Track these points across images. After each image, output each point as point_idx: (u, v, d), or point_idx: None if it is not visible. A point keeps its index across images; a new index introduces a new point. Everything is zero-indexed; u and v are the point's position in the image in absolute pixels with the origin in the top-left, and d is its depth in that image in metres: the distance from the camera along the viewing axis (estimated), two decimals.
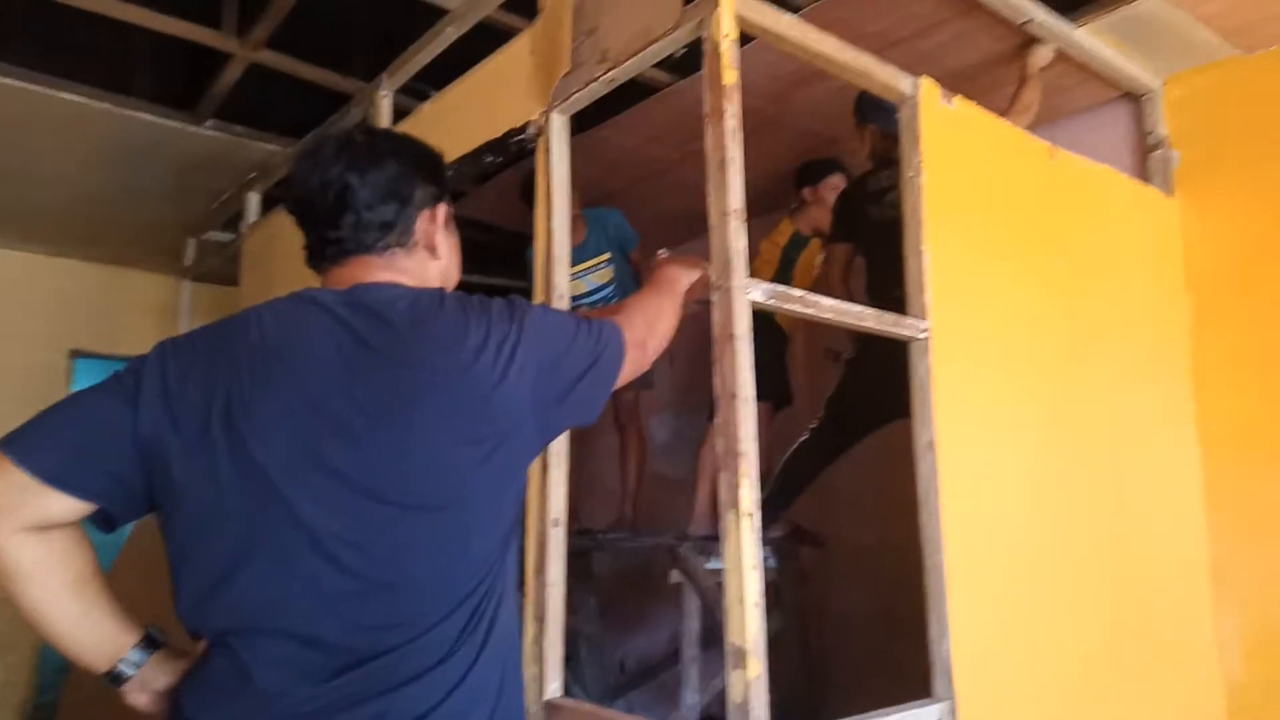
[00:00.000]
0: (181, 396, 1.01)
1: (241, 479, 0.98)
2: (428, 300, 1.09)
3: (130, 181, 3.67)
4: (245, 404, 0.99)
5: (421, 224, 1.18)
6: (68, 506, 0.98)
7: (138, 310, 4.95)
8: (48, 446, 0.98)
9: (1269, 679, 2.42)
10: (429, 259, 1.19)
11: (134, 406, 1.00)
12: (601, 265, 3.32)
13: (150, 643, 1.07)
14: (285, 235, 3.37)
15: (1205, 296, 2.63)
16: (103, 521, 1.03)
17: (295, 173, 1.16)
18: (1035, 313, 2.14)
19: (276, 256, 3.33)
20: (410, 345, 1.03)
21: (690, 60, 1.74)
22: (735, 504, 1.46)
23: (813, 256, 3.29)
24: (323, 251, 1.14)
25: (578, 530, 3.44)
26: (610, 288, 3.36)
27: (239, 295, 3.70)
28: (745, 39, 1.67)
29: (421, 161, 1.20)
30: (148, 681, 1.06)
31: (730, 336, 1.52)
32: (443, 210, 1.21)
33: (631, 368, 1.28)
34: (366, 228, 1.13)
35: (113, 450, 0.99)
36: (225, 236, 4.21)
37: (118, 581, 1.06)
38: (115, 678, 1.05)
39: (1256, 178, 2.57)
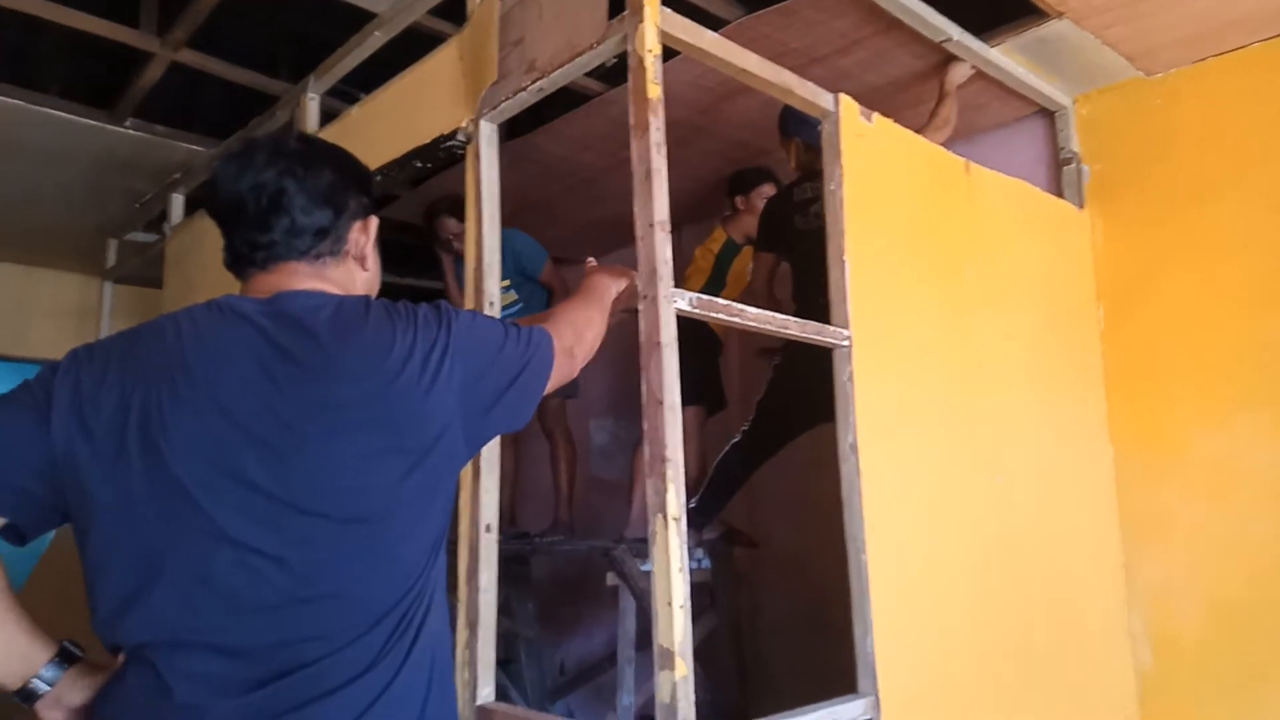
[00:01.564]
0: (95, 407, 0.98)
1: (158, 492, 0.96)
2: (351, 308, 1.08)
3: (46, 181, 3.54)
4: (162, 416, 0.98)
5: (354, 234, 1.17)
6: None
7: (56, 312, 4.77)
8: None
9: (1174, 670, 2.55)
10: (358, 270, 1.19)
11: (45, 418, 0.98)
12: (503, 290, 3.34)
13: (65, 657, 1.05)
14: (210, 237, 3.30)
15: (1115, 305, 2.76)
16: (13, 535, 1.01)
17: (222, 174, 1.12)
18: (954, 321, 2.23)
19: (201, 259, 3.26)
20: (333, 355, 1.02)
21: (621, 69, 1.76)
22: (663, 509, 1.49)
23: (745, 263, 3.35)
24: (250, 256, 1.12)
25: (515, 534, 3.45)
26: (516, 309, 3.39)
27: (162, 297, 3.61)
28: (672, 53, 1.70)
29: (354, 173, 1.20)
30: (62, 698, 1.04)
31: (657, 344, 1.56)
32: (374, 223, 1.21)
33: (559, 375, 1.29)
34: (300, 233, 1.11)
35: (22, 464, 0.97)
36: (148, 237, 4.10)
37: (34, 594, 1.04)
38: (28, 695, 1.03)
39: (1159, 192, 2.71)
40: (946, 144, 2.44)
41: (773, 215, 2.79)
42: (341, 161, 1.19)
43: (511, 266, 3.33)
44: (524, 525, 3.71)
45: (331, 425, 0.99)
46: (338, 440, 0.99)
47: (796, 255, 2.70)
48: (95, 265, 4.45)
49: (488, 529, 1.86)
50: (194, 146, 3.31)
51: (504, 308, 3.33)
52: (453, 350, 1.08)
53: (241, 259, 1.13)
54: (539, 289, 3.49)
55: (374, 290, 1.24)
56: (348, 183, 1.17)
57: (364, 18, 2.42)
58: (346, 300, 1.10)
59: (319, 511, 0.98)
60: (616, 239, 4.03)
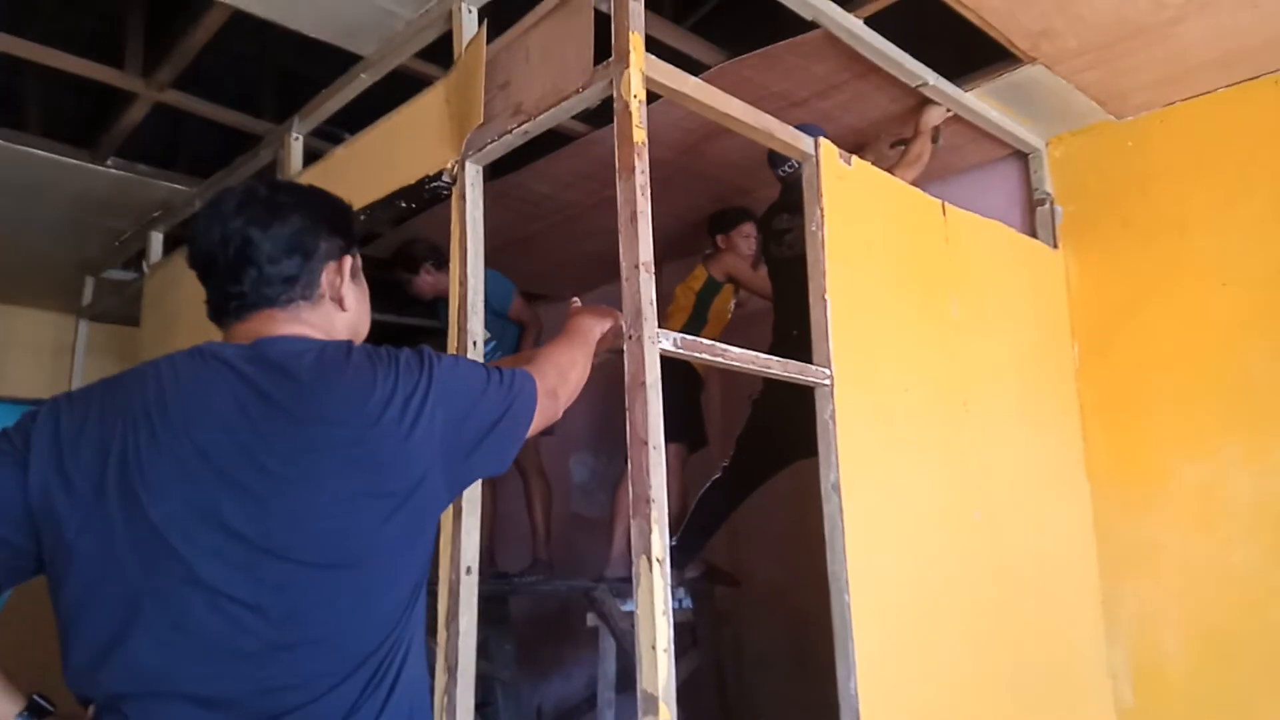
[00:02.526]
0: (74, 455, 0.97)
1: (136, 538, 0.95)
2: (333, 352, 1.08)
3: (24, 219, 3.51)
4: (140, 462, 0.97)
5: (327, 276, 1.16)
6: None
7: (31, 350, 4.71)
8: None
9: (1158, 705, 2.55)
10: (335, 311, 1.18)
11: (23, 467, 0.97)
12: None
13: (35, 711, 1.03)
14: (189, 276, 3.26)
15: (1089, 342, 2.81)
16: None
17: (197, 228, 1.13)
18: (934, 359, 2.25)
19: (179, 297, 3.24)
20: (314, 400, 1.01)
21: (605, 109, 1.79)
22: (647, 550, 1.49)
23: (726, 301, 3.37)
24: (225, 306, 1.12)
25: (493, 574, 3.41)
26: (490, 346, 3.39)
27: (139, 335, 3.57)
28: (656, 95, 1.73)
29: (326, 213, 1.19)
30: None
31: (641, 385, 1.56)
32: (349, 262, 1.20)
33: (543, 417, 1.29)
34: (269, 282, 1.11)
35: (1, 514, 0.96)
36: (126, 275, 4.07)
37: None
38: None
39: (1132, 231, 2.77)
40: (920, 182, 2.49)
41: (761, 236, 2.90)
42: (312, 205, 1.18)
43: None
44: (502, 564, 3.67)
45: (311, 469, 0.99)
46: (317, 484, 0.99)
47: (777, 284, 2.74)
48: (71, 303, 4.41)
49: (468, 571, 1.84)
50: (175, 185, 3.30)
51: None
52: (434, 395, 1.08)
53: (219, 310, 1.13)
54: (510, 324, 3.49)
55: (361, 329, 1.24)
56: (318, 226, 1.16)
57: (351, 59, 2.44)
58: (329, 345, 1.09)
59: (297, 557, 0.97)
60: (600, 275, 4.07)
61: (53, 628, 1.00)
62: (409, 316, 4.77)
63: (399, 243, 3.58)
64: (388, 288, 4.12)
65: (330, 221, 1.18)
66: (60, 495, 0.96)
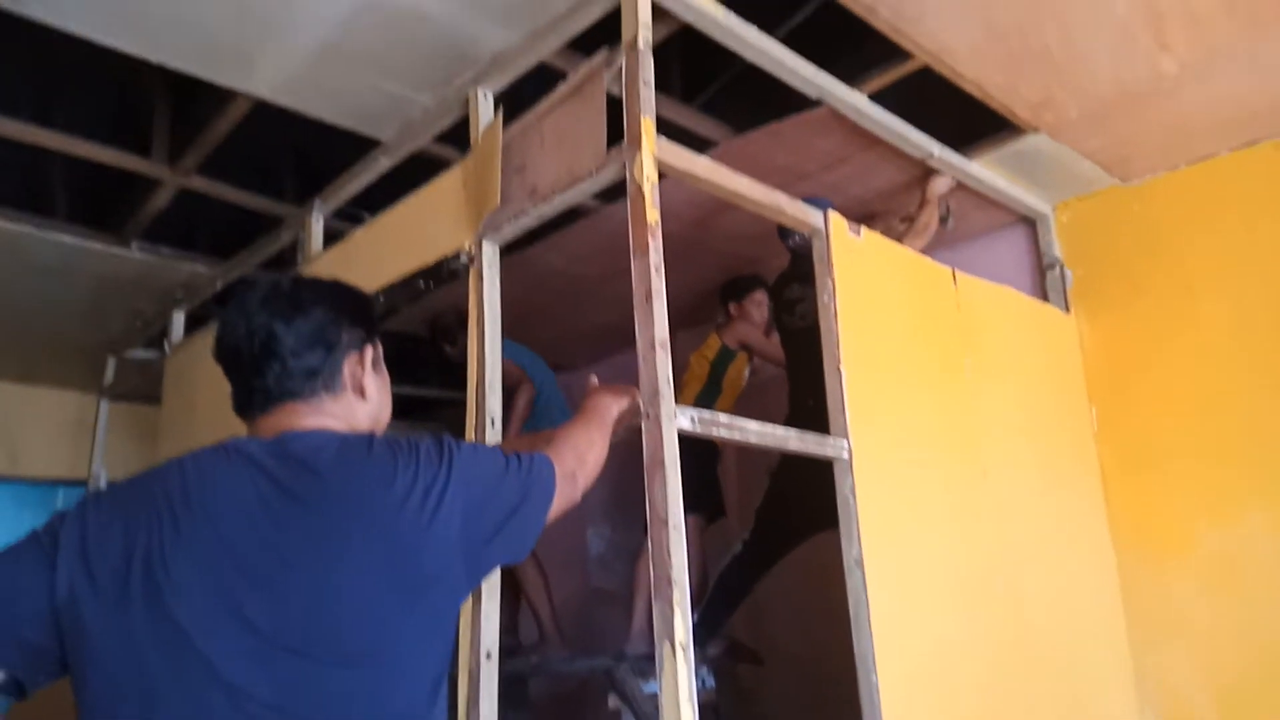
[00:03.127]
0: (101, 553, 0.98)
1: (158, 636, 0.95)
2: (355, 445, 1.09)
3: (48, 302, 3.58)
4: (164, 559, 0.97)
5: (349, 367, 1.18)
6: None
7: (51, 430, 4.75)
8: None
9: None
10: (357, 401, 1.20)
11: (51, 567, 0.97)
12: None
13: None
14: (209, 356, 3.30)
15: (1106, 405, 2.79)
16: (14, 688, 0.98)
17: (223, 323, 1.16)
18: (951, 427, 2.24)
19: (201, 377, 3.27)
20: (336, 494, 1.02)
21: (617, 185, 1.83)
22: (670, 635, 1.47)
23: (741, 369, 3.38)
24: (249, 400, 1.14)
25: (511, 647, 3.35)
26: None
27: (161, 415, 3.60)
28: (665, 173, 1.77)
29: (349, 306, 1.22)
30: None
31: (660, 463, 1.56)
32: (370, 352, 1.22)
33: (562, 502, 1.29)
34: (292, 375, 1.13)
35: (27, 617, 0.96)
36: (148, 355, 4.12)
37: None
38: None
39: (1145, 294, 2.78)
40: (930, 249, 2.52)
41: (772, 305, 2.92)
42: (335, 298, 1.21)
43: None
44: (524, 633, 3.60)
45: (333, 563, 0.99)
46: (339, 579, 0.99)
47: (790, 354, 2.74)
48: (93, 382, 4.46)
49: (488, 656, 1.81)
50: (198, 267, 3.37)
51: None
52: (454, 485, 1.09)
53: (243, 404, 1.15)
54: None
55: (382, 417, 1.25)
56: (341, 318, 1.19)
57: (370, 141, 2.51)
58: (350, 437, 1.11)
59: (318, 654, 0.97)
60: (612, 344, 4.10)
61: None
62: (425, 388, 4.81)
63: (429, 315, 3.61)
64: (404, 360, 4.17)
65: (352, 313, 1.20)
66: (86, 595, 0.96)
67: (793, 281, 2.73)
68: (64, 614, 0.97)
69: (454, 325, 3.50)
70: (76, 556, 0.98)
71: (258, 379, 1.13)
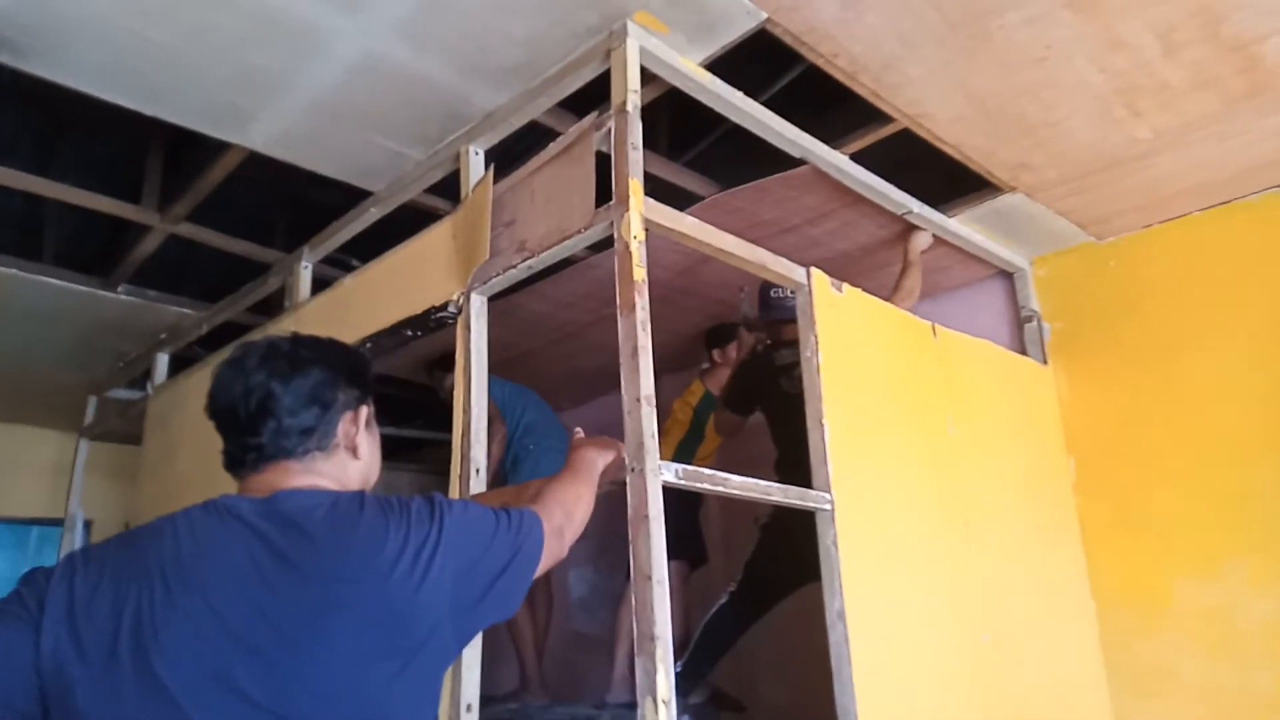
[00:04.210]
0: (88, 617, 0.98)
1: (146, 702, 0.94)
2: (346, 505, 1.10)
3: (31, 342, 3.57)
4: (154, 623, 0.97)
5: (343, 426, 1.20)
6: None
7: (29, 469, 4.71)
8: None
9: None
10: (349, 460, 1.21)
11: (35, 630, 0.96)
12: None
13: None
14: (193, 398, 3.31)
15: (1085, 458, 2.82)
16: None
17: (219, 380, 1.17)
18: (933, 479, 2.27)
19: (183, 418, 3.26)
20: (327, 557, 1.03)
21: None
22: (653, 692, 1.47)
23: (722, 413, 3.40)
24: (242, 458, 1.15)
25: (486, 698, 3.31)
26: None
27: (142, 454, 3.58)
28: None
29: (344, 366, 1.23)
30: None
31: (644, 518, 1.58)
32: (365, 412, 1.24)
33: (549, 558, 1.30)
34: (286, 434, 1.14)
35: (10, 682, 0.95)
36: (129, 394, 4.10)
37: None
38: None
39: (1122, 347, 2.83)
40: (911, 310, 2.55)
41: (753, 378, 2.82)
42: (332, 357, 1.22)
43: None
44: (497, 683, 3.56)
45: (324, 629, 0.99)
46: (329, 644, 0.99)
47: (783, 419, 2.73)
48: (74, 422, 4.42)
49: (468, 709, 1.81)
50: (184, 310, 3.37)
51: None
52: (444, 546, 1.10)
53: (236, 461, 1.16)
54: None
55: (371, 476, 1.26)
56: (337, 378, 1.20)
57: (361, 191, 2.55)
58: (341, 497, 1.11)
59: None
60: (597, 388, 4.12)
61: None
62: (408, 429, 4.81)
63: (431, 354, 3.58)
64: (389, 403, 4.17)
65: (349, 373, 1.22)
66: (72, 658, 0.96)
67: (783, 348, 2.72)
68: (49, 679, 0.96)
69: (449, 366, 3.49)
70: (63, 620, 0.97)
71: (252, 437, 1.13)
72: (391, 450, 5.07)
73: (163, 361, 3.63)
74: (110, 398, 4.18)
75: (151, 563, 1.02)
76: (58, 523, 4.41)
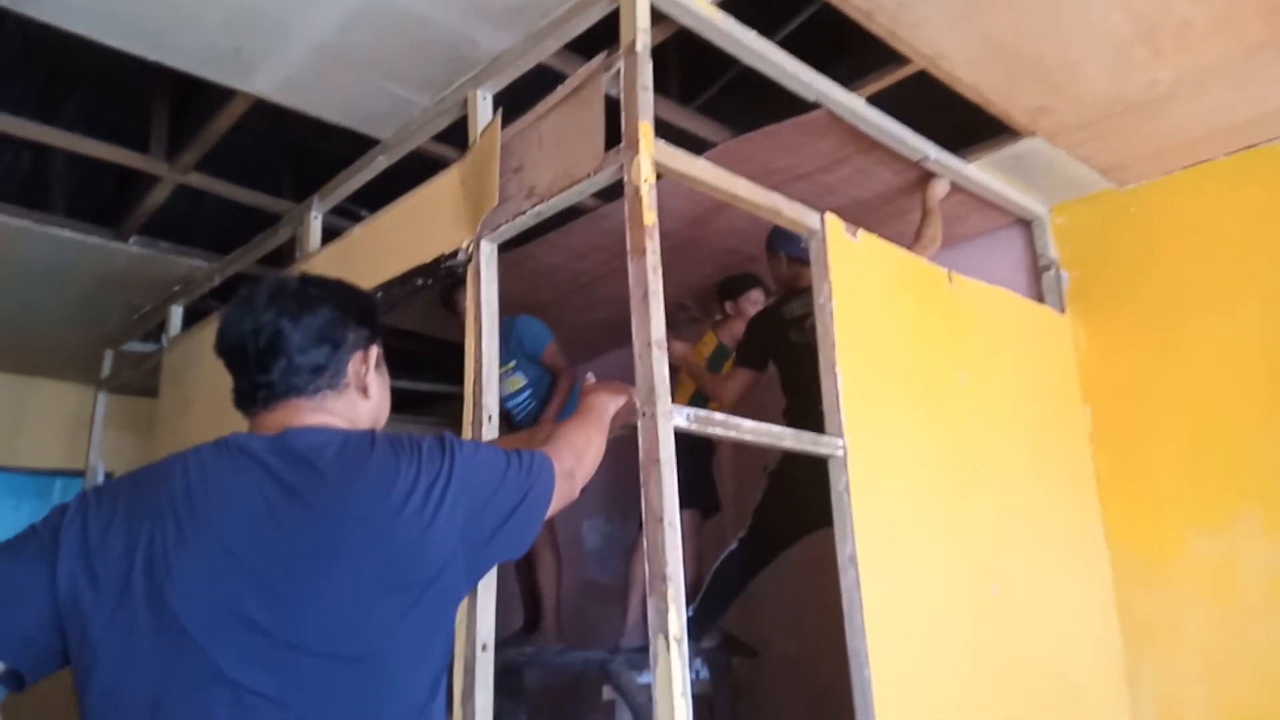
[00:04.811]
0: (102, 552, 0.99)
1: (161, 635, 0.96)
2: (357, 443, 1.10)
3: (47, 295, 3.59)
4: (166, 557, 0.98)
5: (353, 366, 1.20)
6: None
7: (48, 421, 4.76)
8: None
9: None
10: (360, 399, 1.21)
11: (51, 564, 0.98)
12: (509, 374, 3.39)
13: None
14: (207, 350, 3.31)
15: (1101, 408, 2.80)
16: (13, 680, 0.99)
17: (228, 319, 1.17)
18: (946, 427, 2.26)
19: (198, 370, 3.28)
20: (337, 493, 1.03)
21: (616, 185, 1.84)
22: (664, 629, 1.49)
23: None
24: (252, 396, 1.15)
25: (503, 640, 3.35)
26: (525, 393, 3.42)
27: (158, 407, 3.61)
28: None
29: (354, 306, 1.23)
30: None
31: (656, 461, 1.58)
32: (375, 352, 1.24)
33: (560, 499, 1.30)
34: (298, 371, 1.14)
35: (27, 610, 0.97)
36: (144, 348, 4.13)
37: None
38: None
39: (1138, 296, 2.79)
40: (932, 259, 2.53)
41: (764, 332, 2.80)
42: (341, 297, 1.22)
43: (516, 349, 3.38)
44: (512, 622, 3.59)
45: (334, 564, 1.00)
46: (340, 579, 1.00)
47: (793, 370, 2.73)
48: (91, 375, 4.46)
49: (484, 648, 1.83)
50: (195, 261, 3.38)
51: (513, 393, 3.38)
52: (455, 484, 1.10)
53: (246, 399, 1.16)
54: (545, 371, 3.50)
55: (381, 416, 1.27)
56: (346, 317, 1.20)
57: (369, 140, 2.52)
58: (352, 435, 1.12)
59: (320, 652, 0.98)
60: (611, 341, 4.11)
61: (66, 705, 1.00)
62: (421, 382, 4.82)
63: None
64: (399, 355, 4.18)
65: (358, 313, 1.22)
66: (87, 592, 0.97)
67: (793, 299, 2.71)
68: (66, 612, 0.97)
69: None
70: (78, 555, 0.99)
71: (262, 375, 1.14)
72: (404, 403, 5.11)
73: (176, 314, 3.64)
74: (126, 351, 4.21)
75: (163, 499, 1.03)
76: (79, 474, 4.47)
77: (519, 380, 3.43)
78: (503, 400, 3.37)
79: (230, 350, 1.17)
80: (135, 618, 0.97)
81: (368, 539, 1.02)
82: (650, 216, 1.67)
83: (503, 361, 3.35)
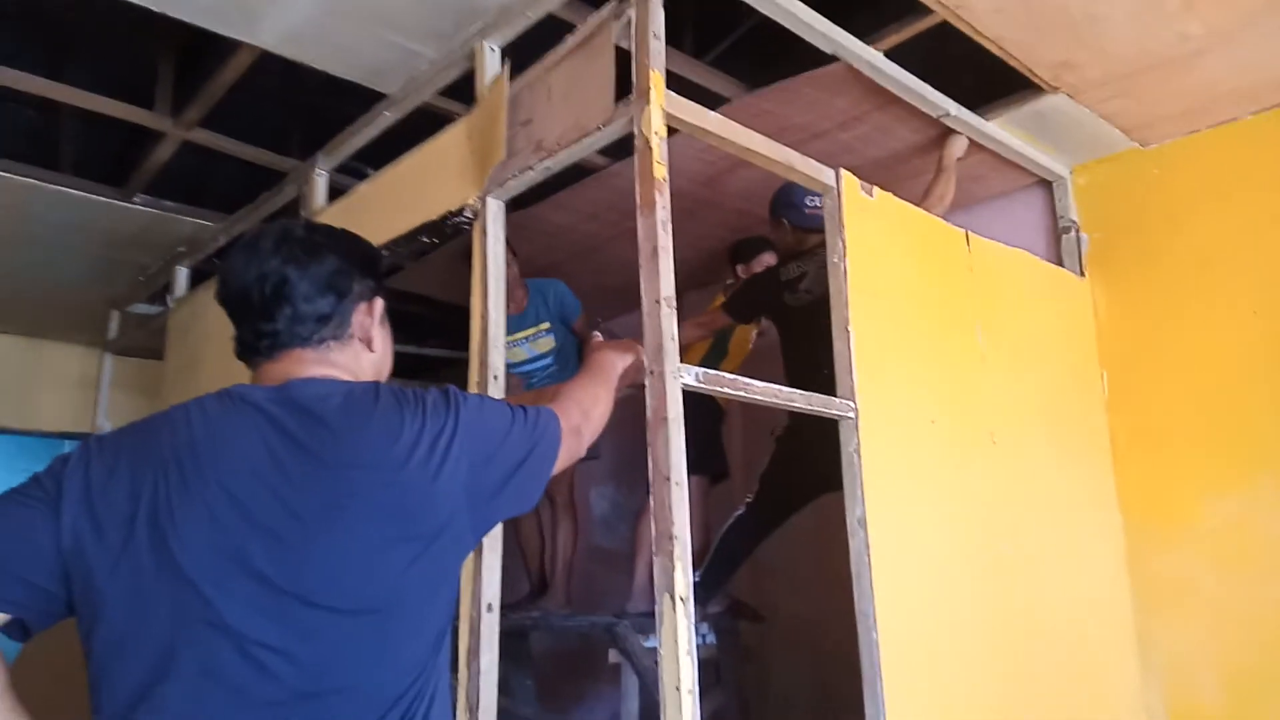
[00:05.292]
0: (105, 500, 0.97)
1: (165, 585, 0.95)
2: (361, 394, 1.09)
3: (53, 255, 3.57)
4: (170, 507, 0.97)
5: (358, 317, 1.18)
6: None
7: (56, 383, 4.77)
8: None
9: None
10: (363, 351, 1.19)
11: (55, 512, 0.97)
12: (541, 334, 3.36)
13: None
14: (213, 310, 3.30)
15: (1118, 372, 2.76)
16: (17, 631, 0.98)
17: (231, 265, 1.14)
18: (960, 390, 2.22)
19: (204, 331, 3.27)
20: (343, 444, 1.02)
21: (625, 142, 1.80)
22: (669, 588, 1.47)
23: (746, 333, 3.36)
24: (255, 345, 1.13)
25: (509, 605, 3.36)
26: (550, 357, 3.39)
27: (163, 368, 3.61)
28: (676, 130, 1.74)
29: (359, 256, 1.21)
30: None
31: (663, 420, 1.55)
32: (379, 304, 1.22)
33: (566, 455, 1.28)
34: (303, 320, 1.12)
35: (31, 559, 0.96)
36: (150, 309, 4.12)
37: (19, 685, 1.00)
38: None
39: (1161, 259, 2.73)
40: (946, 215, 2.47)
41: (758, 290, 2.81)
42: (347, 246, 1.20)
43: (554, 312, 3.37)
44: (515, 588, 3.59)
45: (339, 514, 0.99)
46: (345, 529, 0.99)
47: (789, 332, 2.71)
48: (97, 336, 4.47)
49: (489, 608, 1.82)
50: (201, 221, 3.35)
51: (542, 354, 3.35)
52: (460, 435, 1.08)
53: (249, 348, 1.14)
54: (572, 336, 3.48)
55: (384, 369, 1.25)
56: (352, 267, 1.18)
57: (375, 95, 2.48)
58: (356, 387, 1.10)
59: (324, 603, 0.97)
60: (622, 305, 4.06)
61: (70, 671, 0.99)
62: (428, 347, 4.80)
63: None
64: (408, 320, 4.15)
65: (362, 264, 1.20)
66: (91, 541, 0.96)
67: (788, 261, 2.70)
68: (70, 560, 0.96)
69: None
70: (81, 504, 0.97)
71: (267, 323, 1.11)
72: (412, 369, 5.09)
73: (182, 275, 3.62)
74: (132, 313, 4.21)
75: (166, 449, 1.01)
76: (86, 436, 4.49)
77: (550, 342, 3.39)
78: (525, 360, 3.35)
79: (234, 297, 1.14)
80: (139, 566, 0.96)
81: (374, 489, 1.00)
82: (660, 170, 1.62)
83: (534, 322, 3.33)
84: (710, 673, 3.02)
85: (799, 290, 2.60)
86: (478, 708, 1.77)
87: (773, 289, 2.71)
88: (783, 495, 2.73)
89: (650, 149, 1.62)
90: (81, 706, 1.00)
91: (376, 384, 1.14)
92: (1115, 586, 2.60)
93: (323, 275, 1.14)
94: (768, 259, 3.29)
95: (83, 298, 4.08)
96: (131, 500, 0.98)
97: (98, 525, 0.96)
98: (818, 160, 2.00)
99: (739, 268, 3.36)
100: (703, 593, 2.83)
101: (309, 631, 0.96)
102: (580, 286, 3.91)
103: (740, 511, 2.78)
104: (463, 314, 3.44)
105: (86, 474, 1.00)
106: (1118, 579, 2.62)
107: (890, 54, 2.26)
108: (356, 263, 1.19)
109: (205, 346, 3.20)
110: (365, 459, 1.01)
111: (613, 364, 1.57)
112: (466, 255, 3.31)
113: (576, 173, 2.91)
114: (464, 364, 2.02)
